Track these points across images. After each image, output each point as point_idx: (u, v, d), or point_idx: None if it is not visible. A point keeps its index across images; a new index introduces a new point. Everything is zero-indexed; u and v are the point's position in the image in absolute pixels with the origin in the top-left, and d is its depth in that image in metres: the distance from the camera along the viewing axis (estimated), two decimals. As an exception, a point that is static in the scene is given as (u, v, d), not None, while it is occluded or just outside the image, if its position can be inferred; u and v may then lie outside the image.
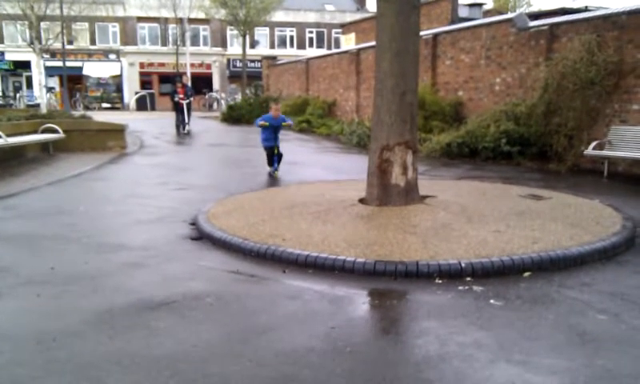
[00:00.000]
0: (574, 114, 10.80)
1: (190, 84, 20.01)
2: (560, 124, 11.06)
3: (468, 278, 4.68)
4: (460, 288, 4.50)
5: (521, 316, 3.95)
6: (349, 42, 26.47)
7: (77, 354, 3.41)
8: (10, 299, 4.38)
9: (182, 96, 18.44)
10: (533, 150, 11.51)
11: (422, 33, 12.37)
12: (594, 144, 10.23)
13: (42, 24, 24.45)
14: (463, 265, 4.77)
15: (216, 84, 44.09)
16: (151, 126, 21.20)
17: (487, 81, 13.77)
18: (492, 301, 4.23)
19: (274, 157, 10.20)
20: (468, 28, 14.59)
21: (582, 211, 6.66)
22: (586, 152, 10.30)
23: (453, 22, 18.24)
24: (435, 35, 15.64)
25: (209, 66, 44.52)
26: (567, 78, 10.76)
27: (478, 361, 3.28)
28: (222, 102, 36.11)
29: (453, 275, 4.71)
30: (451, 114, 14.37)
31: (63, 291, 4.52)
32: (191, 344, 3.53)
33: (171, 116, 21.26)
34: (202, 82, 41.29)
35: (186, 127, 18.58)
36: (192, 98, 19.11)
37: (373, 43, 16.31)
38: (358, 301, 4.40)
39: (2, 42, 41.90)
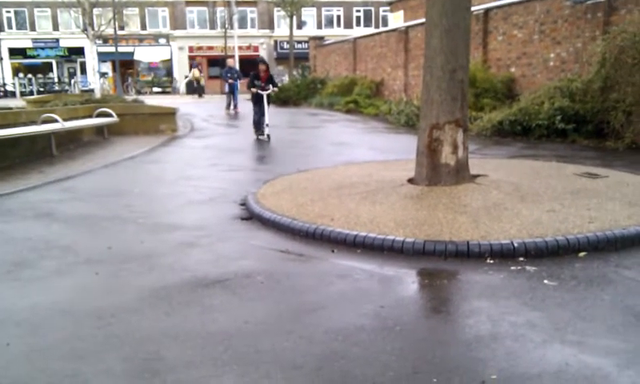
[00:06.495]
0: (633, 90, 10.31)
1: (237, 67, 20.50)
2: (618, 100, 10.59)
3: (521, 258, 4.59)
4: (512, 268, 4.43)
5: (576, 296, 3.85)
6: (397, 20, 26.05)
7: (135, 329, 3.54)
8: (70, 277, 4.57)
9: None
10: (589, 127, 11.07)
11: (472, 8, 12.06)
12: (654, 120, 9.79)
13: (94, 10, 25.12)
14: (516, 244, 4.68)
15: (263, 66, 44.23)
16: (200, 110, 21.55)
17: (541, 56, 13.34)
18: (546, 281, 4.14)
19: None
20: (521, 2, 14.11)
21: (642, 190, 6.40)
22: (646, 128, 9.87)
23: (504, -3, 17.68)
24: (487, 10, 15.23)
25: (256, 49, 44.76)
26: (626, 51, 10.29)
27: (531, 341, 3.23)
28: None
29: (505, 255, 4.63)
30: (503, 91, 14.02)
31: (120, 269, 4.69)
32: (243, 320, 3.61)
33: (220, 99, 21.70)
34: (249, 65, 41.52)
35: (231, 109, 20.10)
36: (239, 81, 19.67)
37: (422, 20, 16.10)
38: (408, 280, 4.39)
39: (57, 29, 43.31)
